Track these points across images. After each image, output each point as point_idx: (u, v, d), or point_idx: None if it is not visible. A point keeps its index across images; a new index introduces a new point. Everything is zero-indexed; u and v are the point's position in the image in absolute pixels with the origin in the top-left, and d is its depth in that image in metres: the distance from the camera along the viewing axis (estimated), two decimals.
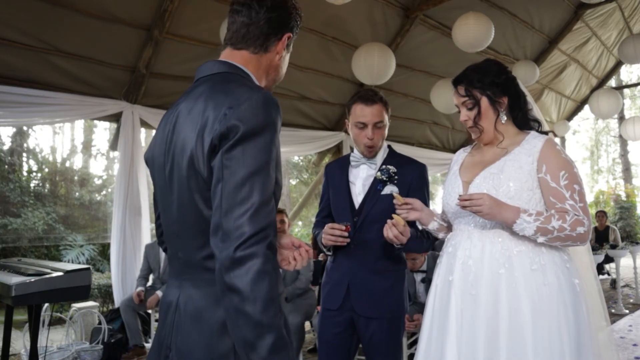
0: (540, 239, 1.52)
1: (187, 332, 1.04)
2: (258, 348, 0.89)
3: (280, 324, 0.92)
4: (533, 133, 1.68)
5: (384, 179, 1.99)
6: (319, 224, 2.15)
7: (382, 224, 1.89)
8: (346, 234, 1.91)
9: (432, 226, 1.83)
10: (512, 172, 1.59)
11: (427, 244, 1.98)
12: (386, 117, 2.05)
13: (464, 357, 1.52)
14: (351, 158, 2.12)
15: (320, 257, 4.87)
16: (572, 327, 1.50)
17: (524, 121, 1.72)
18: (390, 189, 1.98)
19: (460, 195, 1.59)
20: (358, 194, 2.05)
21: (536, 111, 1.77)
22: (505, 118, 1.69)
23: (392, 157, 2.11)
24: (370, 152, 2.05)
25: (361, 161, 2.08)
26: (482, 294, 1.55)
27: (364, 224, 1.99)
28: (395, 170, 2.00)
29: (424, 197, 2.03)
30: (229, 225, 0.92)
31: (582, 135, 23.11)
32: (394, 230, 1.78)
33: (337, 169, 2.17)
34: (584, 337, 1.51)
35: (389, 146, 2.16)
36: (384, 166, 2.02)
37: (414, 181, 2.03)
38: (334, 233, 1.91)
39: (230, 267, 0.91)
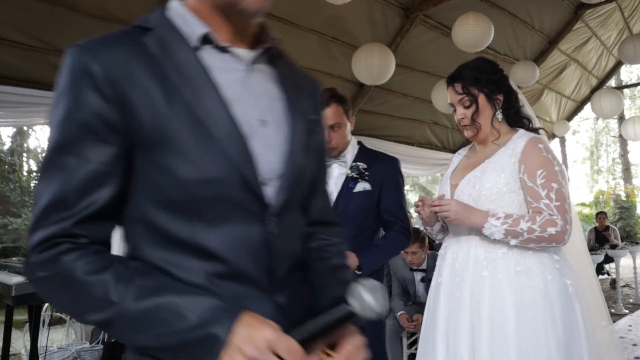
0: (513, 242, 1.52)
1: None
2: None
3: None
4: (520, 132, 1.67)
5: (355, 176, 2.00)
6: None
7: (358, 221, 1.96)
8: None
9: (437, 227, 1.81)
10: (494, 175, 1.59)
11: (388, 253, 2.02)
12: (344, 117, 2.03)
13: (452, 358, 1.54)
14: None
15: None
16: (559, 327, 1.48)
17: (516, 118, 1.72)
18: (362, 186, 1.99)
19: (432, 201, 1.63)
20: (331, 192, 2.03)
21: (527, 109, 1.77)
22: (502, 116, 1.69)
23: (363, 153, 2.10)
24: (331, 153, 2.04)
25: (331, 160, 2.07)
26: (466, 296, 1.56)
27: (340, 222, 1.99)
28: (365, 167, 2.00)
29: (397, 191, 2.03)
30: None
31: (582, 135, 23.12)
32: None
33: None
34: (575, 337, 1.50)
35: (359, 142, 2.16)
36: (353, 164, 2.02)
37: (386, 176, 2.03)
38: None
39: None
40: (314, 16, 4.97)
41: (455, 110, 1.73)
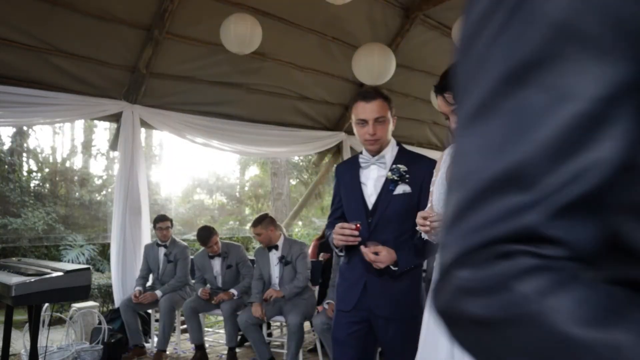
0: None
1: None
2: None
3: None
4: None
5: (395, 178, 1.98)
6: (331, 226, 2.14)
7: (397, 224, 1.95)
8: (357, 233, 1.91)
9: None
10: None
11: (424, 254, 2.00)
12: (389, 113, 2.06)
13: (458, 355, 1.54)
14: (360, 159, 2.10)
15: (321, 258, 4.87)
16: None
17: None
18: (402, 189, 1.98)
19: (429, 216, 1.64)
20: (370, 194, 2.04)
21: None
22: None
23: (402, 155, 2.09)
24: (373, 147, 2.03)
25: (370, 161, 2.06)
26: None
27: (379, 225, 1.99)
28: (406, 169, 1.98)
29: None
30: None
31: None
32: (369, 257, 1.87)
33: (347, 170, 2.16)
34: None
35: (398, 144, 2.15)
36: (394, 166, 2.01)
37: (426, 178, 1.99)
38: (344, 232, 1.92)
39: None
40: (314, 16, 4.97)
41: (448, 118, 1.67)
